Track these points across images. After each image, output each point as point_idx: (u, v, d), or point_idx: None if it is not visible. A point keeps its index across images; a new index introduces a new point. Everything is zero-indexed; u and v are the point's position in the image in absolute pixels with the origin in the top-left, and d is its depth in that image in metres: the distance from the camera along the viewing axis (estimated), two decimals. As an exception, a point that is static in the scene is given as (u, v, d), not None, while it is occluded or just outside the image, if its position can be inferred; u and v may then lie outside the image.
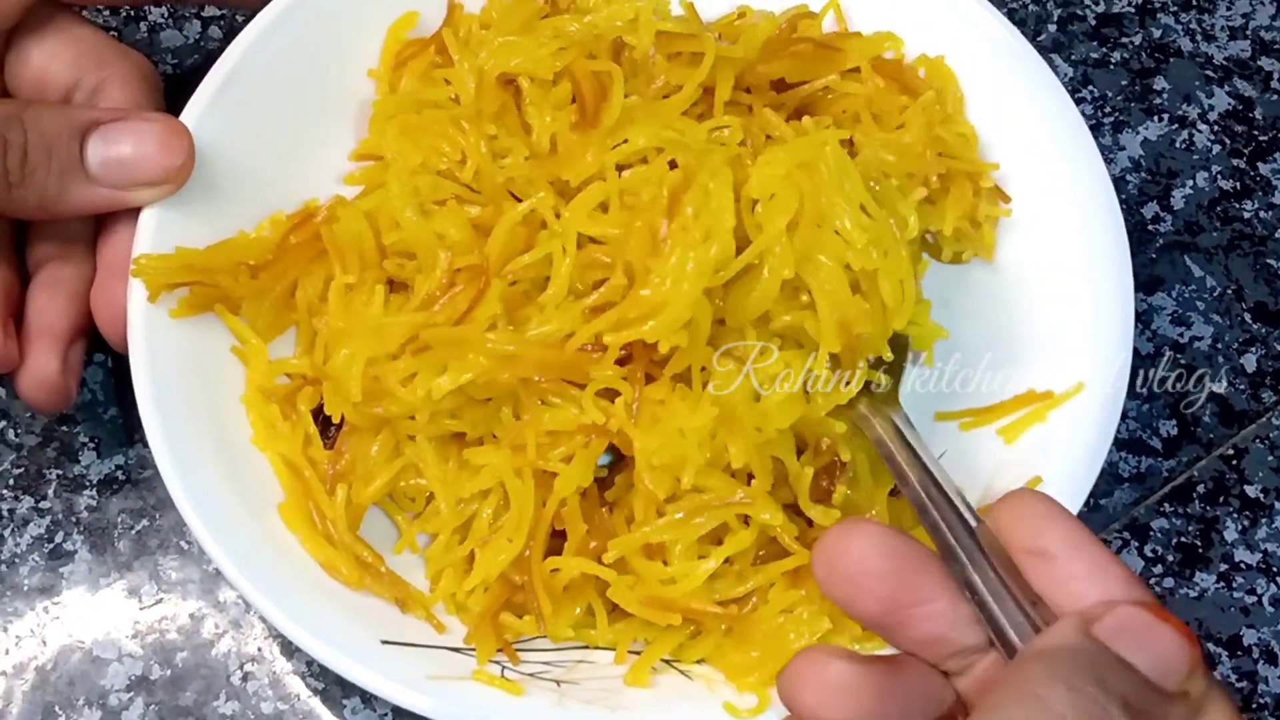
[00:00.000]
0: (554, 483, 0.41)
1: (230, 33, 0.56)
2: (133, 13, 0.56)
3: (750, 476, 0.41)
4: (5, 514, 0.48)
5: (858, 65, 0.49)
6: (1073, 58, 0.58)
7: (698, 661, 0.42)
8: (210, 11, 0.56)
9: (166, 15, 0.56)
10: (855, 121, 0.48)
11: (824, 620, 0.40)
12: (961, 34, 0.50)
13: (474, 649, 0.42)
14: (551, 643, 0.43)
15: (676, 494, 0.41)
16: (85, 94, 0.47)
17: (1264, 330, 0.54)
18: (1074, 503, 0.42)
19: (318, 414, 0.45)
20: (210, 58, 0.55)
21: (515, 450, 0.42)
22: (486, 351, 0.41)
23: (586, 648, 0.43)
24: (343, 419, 0.43)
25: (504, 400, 0.43)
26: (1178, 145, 0.56)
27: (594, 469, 0.42)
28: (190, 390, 0.43)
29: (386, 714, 0.46)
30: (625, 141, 0.44)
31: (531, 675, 0.41)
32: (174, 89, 0.54)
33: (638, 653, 0.43)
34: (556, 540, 0.43)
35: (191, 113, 0.46)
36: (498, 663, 0.42)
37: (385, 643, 0.41)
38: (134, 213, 0.45)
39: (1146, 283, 0.53)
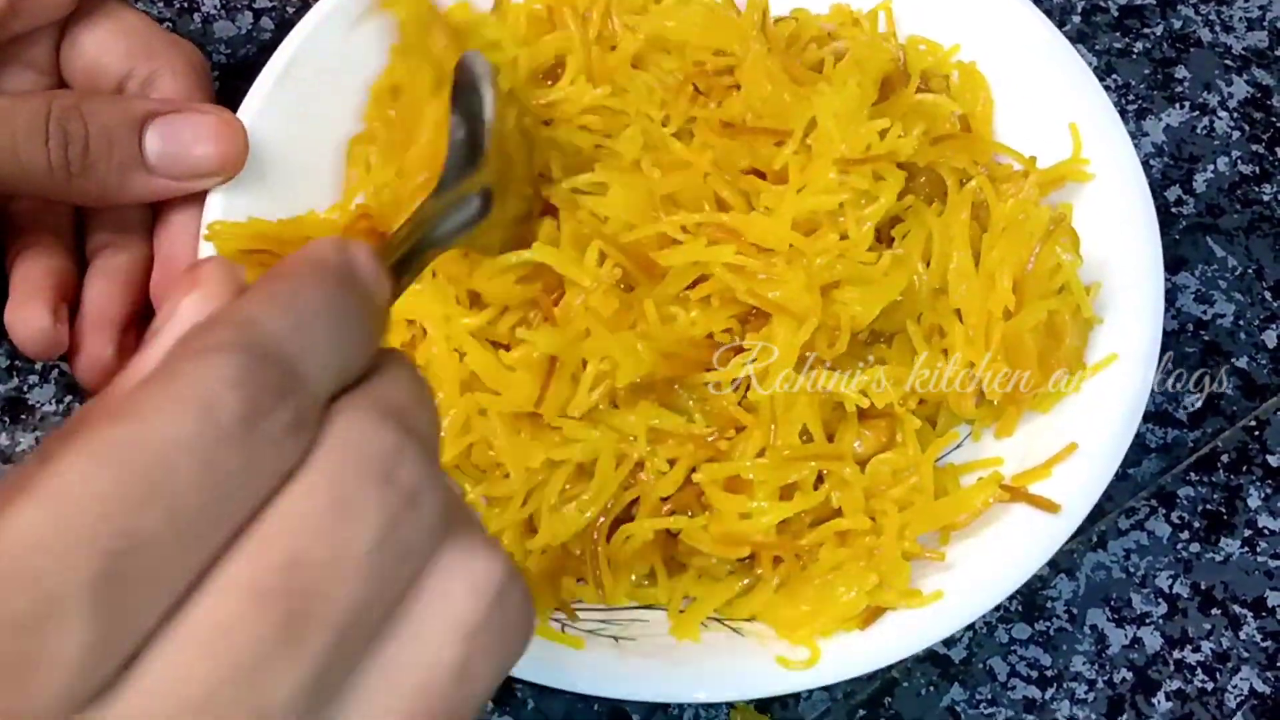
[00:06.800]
0: (640, 474, 0.43)
1: (282, 23, 0.58)
2: (186, 3, 0.58)
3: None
4: (74, 485, 0.50)
5: None
6: (1096, 48, 0.60)
7: (748, 619, 0.44)
8: (262, 3, 0.58)
9: (219, 6, 0.58)
10: None
11: (871, 575, 0.42)
12: (995, 25, 0.52)
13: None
14: (606, 605, 0.45)
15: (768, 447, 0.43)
16: (137, 85, 0.48)
17: (1283, 308, 0.55)
18: (1109, 467, 0.44)
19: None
20: (263, 47, 0.57)
21: (620, 435, 0.43)
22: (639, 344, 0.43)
23: (639, 608, 0.45)
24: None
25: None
26: (1199, 131, 0.58)
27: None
28: (258, 363, 0.45)
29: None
30: None
31: (590, 632, 0.43)
32: (228, 78, 0.56)
33: (689, 611, 0.44)
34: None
35: (251, 103, 0.47)
36: (556, 620, 0.44)
37: (450, 600, 0.43)
38: (190, 203, 0.46)
39: (1170, 263, 0.55)
